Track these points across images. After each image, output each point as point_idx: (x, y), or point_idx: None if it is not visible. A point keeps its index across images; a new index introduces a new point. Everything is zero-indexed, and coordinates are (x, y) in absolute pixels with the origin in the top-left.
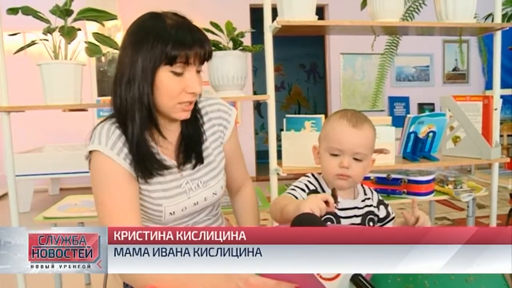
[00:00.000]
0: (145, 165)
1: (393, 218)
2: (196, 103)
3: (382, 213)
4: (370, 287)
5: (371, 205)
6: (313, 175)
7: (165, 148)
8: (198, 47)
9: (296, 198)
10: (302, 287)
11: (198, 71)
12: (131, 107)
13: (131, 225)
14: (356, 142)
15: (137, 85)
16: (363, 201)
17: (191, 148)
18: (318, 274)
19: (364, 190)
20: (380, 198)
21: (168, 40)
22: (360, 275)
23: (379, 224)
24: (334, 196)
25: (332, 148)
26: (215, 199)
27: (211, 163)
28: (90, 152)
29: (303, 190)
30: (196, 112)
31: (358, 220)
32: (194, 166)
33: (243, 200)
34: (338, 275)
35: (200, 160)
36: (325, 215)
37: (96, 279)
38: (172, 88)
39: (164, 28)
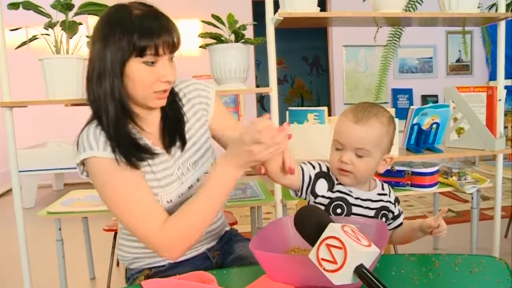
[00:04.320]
0: (133, 153)
1: (401, 221)
2: (172, 87)
3: (396, 211)
4: (374, 278)
5: (388, 201)
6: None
7: (149, 137)
8: (166, 34)
9: (303, 170)
10: (306, 280)
11: (171, 59)
12: (104, 101)
13: (153, 209)
14: (356, 137)
15: (107, 79)
16: (378, 195)
17: (174, 130)
18: (321, 266)
19: (382, 186)
20: (396, 196)
21: (134, 31)
22: (363, 266)
23: (391, 221)
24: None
25: (335, 141)
26: None
27: (196, 143)
28: (83, 160)
29: (313, 167)
30: (174, 96)
31: (371, 213)
32: (182, 148)
33: None
34: (341, 266)
35: (185, 141)
36: (334, 200)
37: (101, 273)
38: (146, 79)
39: (129, 19)
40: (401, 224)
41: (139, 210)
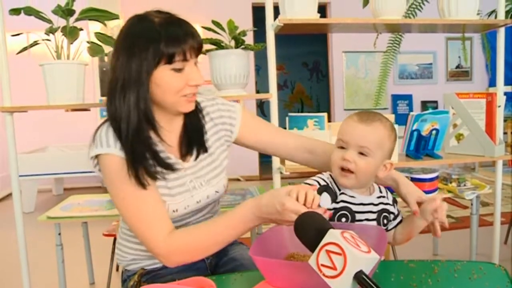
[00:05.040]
0: (150, 167)
1: (401, 219)
2: (198, 102)
3: (395, 211)
4: (373, 285)
5: (387, 203)
6: (326, 173)
7: (168, 145)
8: (191, 39)
9: None
10: (305, 286)
11: (195, 63)
12: (126, 111)
13: (162, 216)
14: (360, 136)
15: (131, 89)
16: (378, 197)
17: (193, 140)
18: (321, 272)
19: (380, 189)
20: (393, 196)
21: (160, 39)
22: (363, 272)
23: (392, 221)
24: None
25: (338, 140)
26: (217, 197)
27: (214, 161)
28: (97, 155)
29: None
30: (199, 110)
31: (373, 216)
32: (196, 157)
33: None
34: (341, 272)
35: (202, 149)
36: (339, 210)
37: (100, 278)
38: (175, 84)
39: (152, 27)
40: (401, 221)
41: (147, 215)
